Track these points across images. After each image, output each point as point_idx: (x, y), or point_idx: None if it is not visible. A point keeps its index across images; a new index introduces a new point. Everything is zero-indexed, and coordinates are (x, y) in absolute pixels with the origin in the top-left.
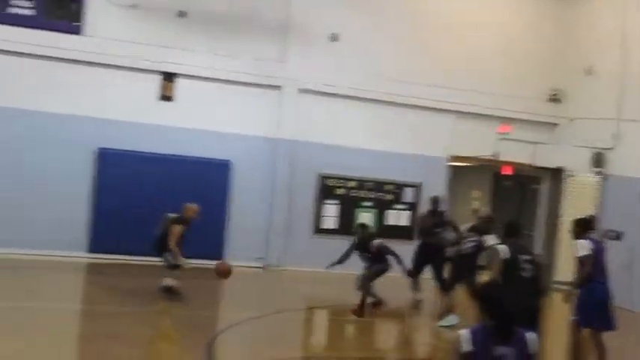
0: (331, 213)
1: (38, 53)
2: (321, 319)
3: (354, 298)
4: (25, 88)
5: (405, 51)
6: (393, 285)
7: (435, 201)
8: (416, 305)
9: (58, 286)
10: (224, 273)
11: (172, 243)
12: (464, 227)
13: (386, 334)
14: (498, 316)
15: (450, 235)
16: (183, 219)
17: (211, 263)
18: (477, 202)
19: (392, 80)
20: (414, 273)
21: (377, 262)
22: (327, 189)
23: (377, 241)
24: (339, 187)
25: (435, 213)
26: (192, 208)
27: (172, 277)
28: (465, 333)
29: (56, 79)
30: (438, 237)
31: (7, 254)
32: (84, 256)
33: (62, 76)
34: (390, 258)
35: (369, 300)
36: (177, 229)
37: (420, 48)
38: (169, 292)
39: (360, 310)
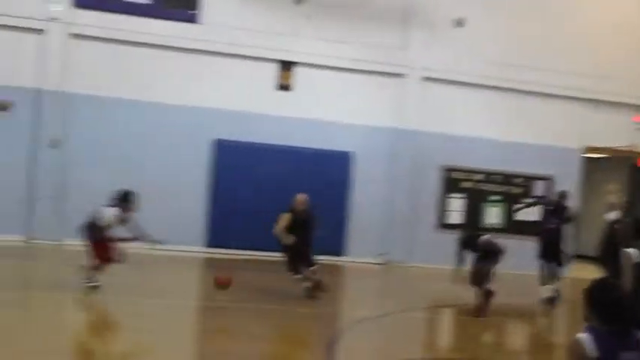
0: (457, 207)
1: (154, 42)
2: (448, 318)
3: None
4: (140, 79)
5: (534, 36)
6: (523, 282)
7: (561, 195)
8: (547, 302)
9: (176, 282)
10: (223, 283)
11: (276, 228)
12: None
13: (515, 335)
14: (621, 320)
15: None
16: (292, 209)
17: (332, 259)
18: (615, 195)
19: (520, 67)
20: (542, 268)
21: (486, 259)
22: (452, 182)
23: (484, 237)
24: (465, 180)
25: (557, 205)
26: (299, 198)
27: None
28: (586, 337)
29: (172, 69)
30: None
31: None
32: (202, 251)
33: (178, 66)
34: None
35: (483, 295)
36: (283, 217)
37: (550, 33)
38: (317, 290)
39: (479, 310)
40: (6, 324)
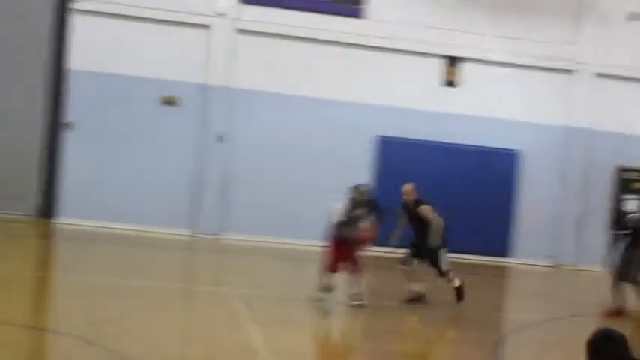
0: (631, 209)
1: (318, 37)
2: (617, 324)
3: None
4: (304, 74)
5: None
6: None
7: None
8: None
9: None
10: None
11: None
12: None
13: None
14: None
15: None
16: (402, 202)
17: (498, 260)
18: None
19: None
20: None
21: (637, 245)
22: (625, 183)
23: (636, 215)
24: None
25: None
26: (404, 189)
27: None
28: None
29: (336, 64)
30: None
31: (279, 243)
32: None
33: (342, 61)
34: None
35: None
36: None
37: None
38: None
39: (614, 312)
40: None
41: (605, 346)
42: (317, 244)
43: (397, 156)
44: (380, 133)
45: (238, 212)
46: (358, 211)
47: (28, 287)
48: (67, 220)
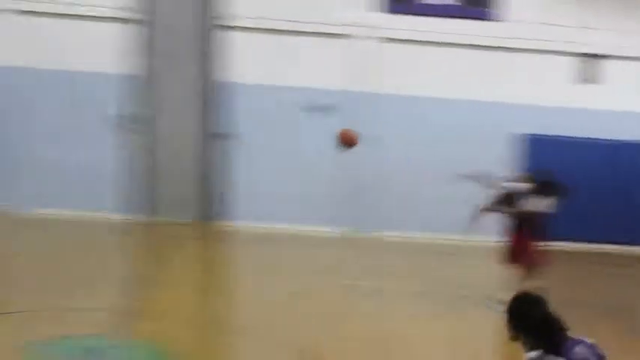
0: None
1: (462, 43)
2: None
3: None
4: (446, 78)
5: None
6: None
7: None
8: None
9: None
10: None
11: None
12: None
13: None
14: (551, 337)
15: None
16: None
17: None
18: None
19: None
20: None
21: None
22: None
23: None
24: None
25: None
26: None
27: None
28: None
29: (477, 67)
30: None
31: (436, 239)
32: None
33: (484, 64)
34: None
35: None
36: None
37: None
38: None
39: None
40: None
41: (525, 310)
42: (475, 240)
43: (544, 154)
44: (525, 132)
45: (393, 210)
46: (531, 198)
47: (203, 288)
48: (230, 222)
